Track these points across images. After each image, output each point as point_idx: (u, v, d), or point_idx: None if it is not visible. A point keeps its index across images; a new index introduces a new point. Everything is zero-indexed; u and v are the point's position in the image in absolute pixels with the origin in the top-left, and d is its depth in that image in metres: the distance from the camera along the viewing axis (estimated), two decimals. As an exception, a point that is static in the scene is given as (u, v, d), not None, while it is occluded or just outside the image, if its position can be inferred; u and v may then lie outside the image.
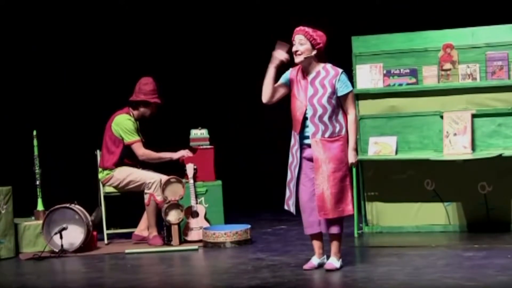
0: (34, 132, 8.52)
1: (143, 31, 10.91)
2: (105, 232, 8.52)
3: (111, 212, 8.63)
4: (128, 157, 8.51)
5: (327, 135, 6.67)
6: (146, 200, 8.37)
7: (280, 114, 7.75)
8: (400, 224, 8.49)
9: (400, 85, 8.43)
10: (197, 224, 8.43)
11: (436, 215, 8.40)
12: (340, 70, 6.76)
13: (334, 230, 6.75)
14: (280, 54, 6.70)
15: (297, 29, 6.75)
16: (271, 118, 9.45)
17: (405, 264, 6.88)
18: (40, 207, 8.47)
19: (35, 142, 8.51)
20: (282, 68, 6.80)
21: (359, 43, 8.53)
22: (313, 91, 6.69)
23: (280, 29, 7.54)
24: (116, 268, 7.50)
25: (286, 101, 6.87)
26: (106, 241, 8.52)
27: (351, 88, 6.78)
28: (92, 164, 8.79)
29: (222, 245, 8.07)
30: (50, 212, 8.12)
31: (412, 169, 8.40)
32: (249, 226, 8.33)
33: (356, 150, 6.81)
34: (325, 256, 6.90)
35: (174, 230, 8.25)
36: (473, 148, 8.16)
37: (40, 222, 8.19)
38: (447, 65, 8.27)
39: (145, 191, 8.38)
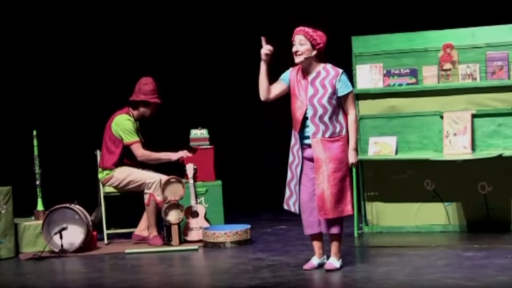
0: (34, 132, 8.52)
1: (143, 31, 10.90)
2: (105, 232, 8.52)
3: (111, 212, 8.63)
4: (128, 157, 8.51)
5: (327, 135, 6.67)
6: (146, 200, 8.37)
7: (280, 114, 7.75)
8: (400, 224, 8.49)
9: (400, 85, 8.42)
10: (197, 224, 8.43)
11: (436, 215, 8.39)
12: (341, 71, 6.75)
13: (334, 230, 6.75)
14: (262, 49, 6.70)
15: (297, 29, 6.74)
16: (271, 118, 9.45)
17: (405, 264, 6.88)
18: (40, 207, 8.47)
19: (35, 142, 8.51)
20: (281, 65, 6.81)
21: (359, 43, 8.53)
22: (314, 91, 6.69)
23: (280, 29, 7.54)
24: (116, 268, 7.50)
25: (286, 101, 6.87)
26: (106, 241, 8.52)
27: (351, 88, 6.78)
28: (92, 164, 8.79)
29: (222, 245, 8.07)
30: (50, 212, 8.11)
31: (412, 169, 8.40)
32: (249, 226, 8.33)
33: (356, 150, 6.80)
34: (325, 256, 6.89)
35: (174, 230, 8.25)
36: (473, 148, 8.16)
37: (40, 222, 8.19)
38: (447, 65, 8.27)
39: (145, 191, 8.37)
